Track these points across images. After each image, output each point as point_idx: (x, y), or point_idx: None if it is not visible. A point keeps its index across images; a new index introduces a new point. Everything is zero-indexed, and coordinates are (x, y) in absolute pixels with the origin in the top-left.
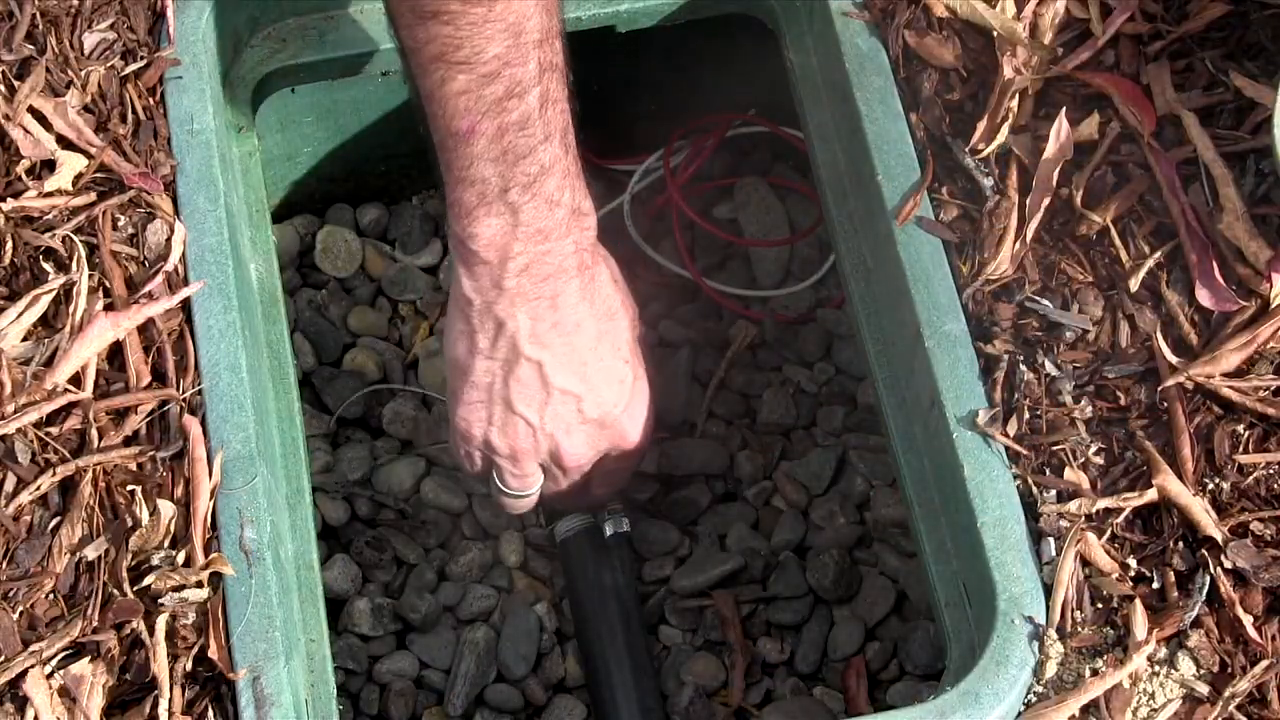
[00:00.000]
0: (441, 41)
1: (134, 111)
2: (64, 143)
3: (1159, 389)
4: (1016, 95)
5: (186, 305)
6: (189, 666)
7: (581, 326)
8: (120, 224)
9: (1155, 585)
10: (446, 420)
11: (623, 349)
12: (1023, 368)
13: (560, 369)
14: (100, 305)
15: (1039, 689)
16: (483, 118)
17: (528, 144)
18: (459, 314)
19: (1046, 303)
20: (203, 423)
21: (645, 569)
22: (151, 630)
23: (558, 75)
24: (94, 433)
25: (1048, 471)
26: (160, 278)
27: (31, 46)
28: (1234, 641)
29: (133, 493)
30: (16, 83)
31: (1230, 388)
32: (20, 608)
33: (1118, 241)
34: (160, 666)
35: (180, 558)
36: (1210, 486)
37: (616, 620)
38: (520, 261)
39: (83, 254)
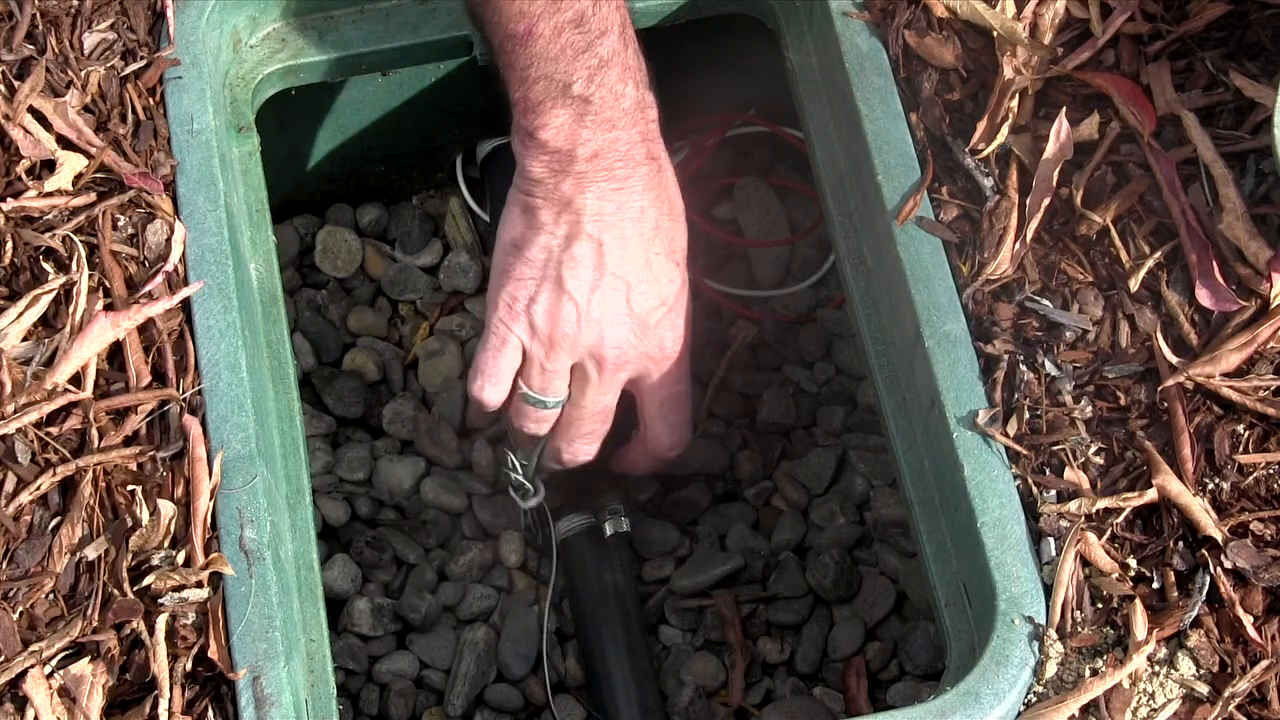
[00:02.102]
0: None
1: (134, 111)
2: (64, 143)
3: (1159, 389)
4: (1016, 95)
5: (186, 305)
6: (189, 666)
7: (645, 214)
8: (120, 224)
9: (1155, 585)
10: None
11: (677, 251)
12: (1023, 368)
13: (617, 252)
14: (100, 305)
15: (1039, 689)
16: (539, 19)
17: (585, 40)
18: (520, 196)
19: (1046, 303)
20: (203, 423)
21: (645, 569)
22: (151, 630)
23: None
24: (94, 433)
25: (1048, 471)
26: (160, 278)
27: (31, 46)
28: (1234, 641)
29: (133, 493)
30: (16, 83)
31: (1230, 388)
32: (20, 608)
33: (1118, 241)
34: (160, 666)
35: (180, 558)
36: (1210, 486)
37: (617, 620)
38: (589, 148)
39: (83, 254)
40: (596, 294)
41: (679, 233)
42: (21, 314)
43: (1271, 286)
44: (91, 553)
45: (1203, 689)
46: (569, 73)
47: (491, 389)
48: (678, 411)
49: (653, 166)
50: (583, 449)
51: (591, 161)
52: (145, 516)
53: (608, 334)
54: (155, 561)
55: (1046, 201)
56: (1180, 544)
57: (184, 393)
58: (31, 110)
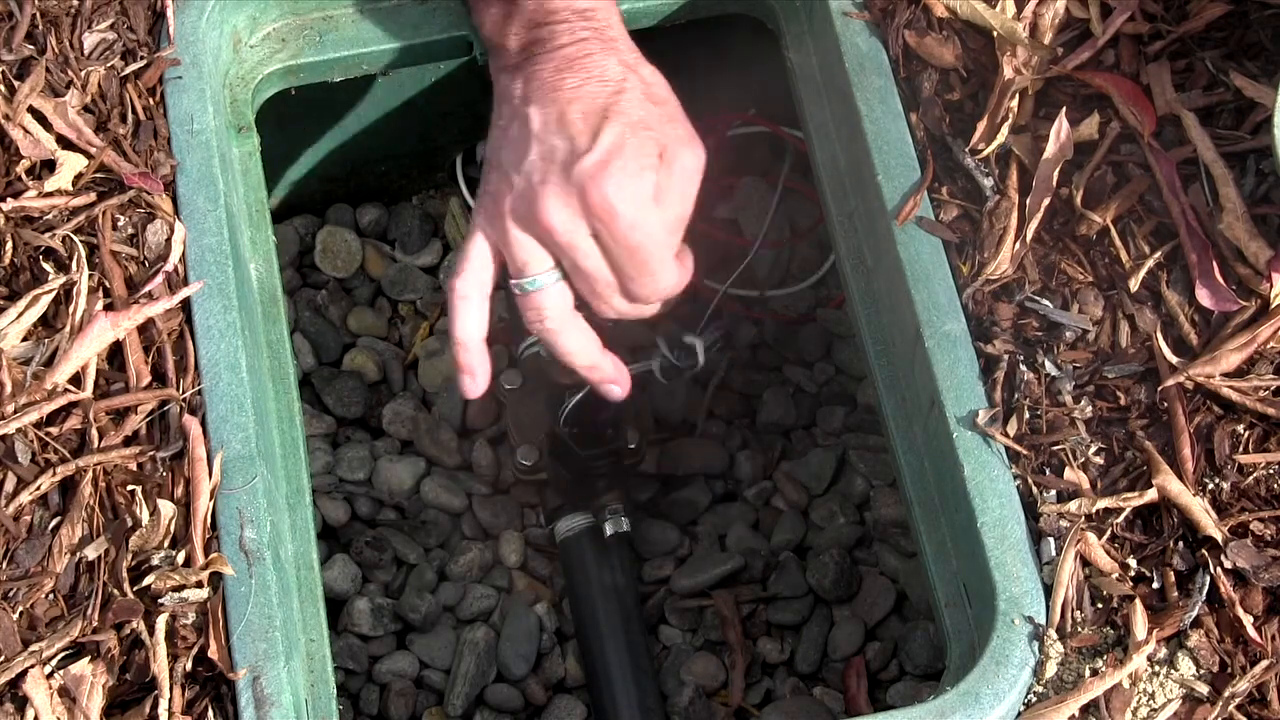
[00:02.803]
0: None
1: (134, 111)
2: (64, 143)
3: (1159, 389)
4: (1016, 95)
5: (186, 305)
6: (189, 666)
7: (572, 83)
8: (120, 224)
9: (1155, 585)
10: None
11: (625, 114)
12: (1023, 368)
13: (544, 120)
14: (100, 305)
15: (1039, 689)
16: None
17: None
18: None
19: (1046, 303)
20: (203, 423)
21: (645, 569)
22: (151, 630)
23: None
24: (94, 433)
25: (1048, 471)
26: (160, 278)
27: (31, 46)
28: (1234, 641)
29: (133, 493)
30: (16, 83)
31: (1230, 388)
32: (20, 608)
33: (1118, 241)
34: (160, 666)
35: (180, 558)
36: (1210, 486)
37: (617, 620)
38: (518, 40)
39: (83, 254)
40: (526, 163)
41: (621, 98)
42: (21, 314)
43: (1271, 286)
44: (91, 553)
45: (1203, 689)
46: None
47: (458, 279)
48: (644, 268)
49: (587, 45)
50: (612, 298)
51: (521, 54)
52: (145, 516)
53: (543, 202)
54: (155, 561)
55: (1046, 201)
56: (1180, 544)
57: (184, 393)
58: (31, 110)
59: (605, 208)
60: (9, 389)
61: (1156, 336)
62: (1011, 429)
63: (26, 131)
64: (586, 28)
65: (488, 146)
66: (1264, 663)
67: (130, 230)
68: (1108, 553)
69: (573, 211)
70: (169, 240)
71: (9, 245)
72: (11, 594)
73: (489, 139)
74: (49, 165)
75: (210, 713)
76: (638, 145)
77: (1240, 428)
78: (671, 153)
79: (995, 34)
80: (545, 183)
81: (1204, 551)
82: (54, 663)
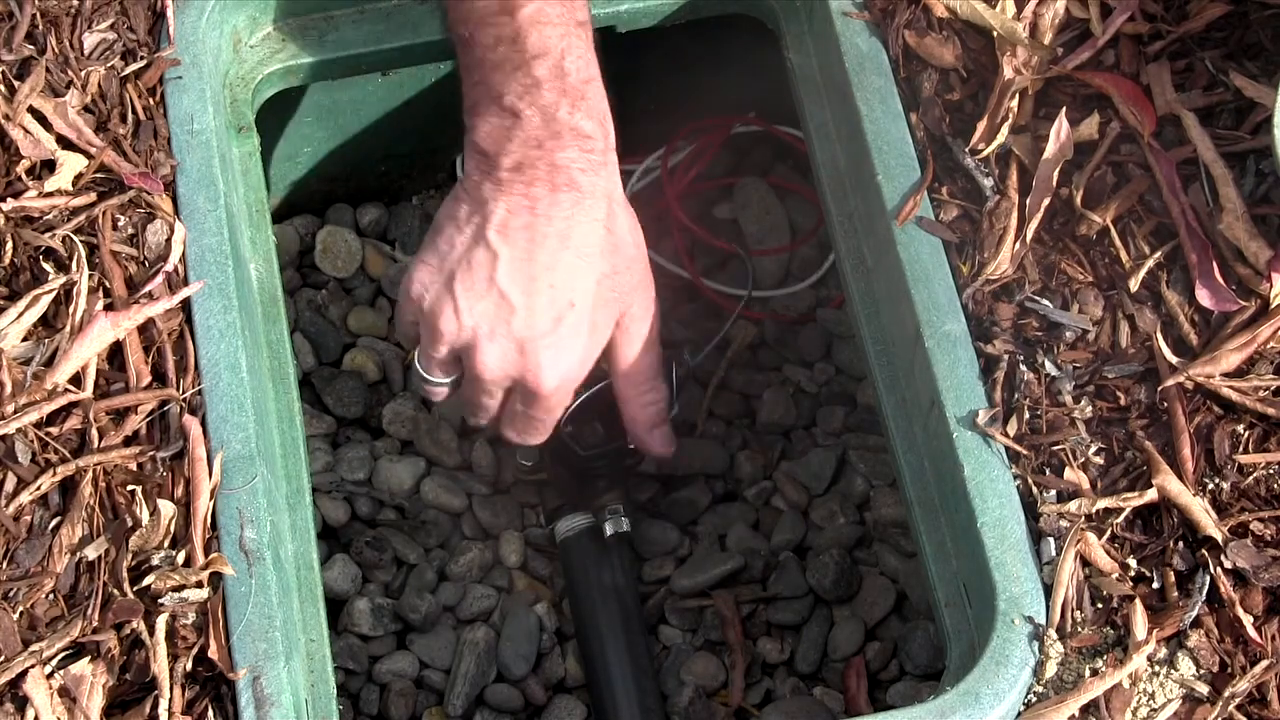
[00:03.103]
0: None
1: (134, 111)
2: (64, 143)
3: (1159, 389)
4: (1016, 95)
5: (186, 305)
6: (189, 666)
7: (547, 241)
8: (120, 224)
9: (1155, 585)
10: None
11: (578, 291)
12: (1023, 368)
13: (510, 271)
14: (100, 305)
15: (1039, 689)
16: (476, 28)
17: (520, 58)
18: (457, 187)
19: (1046, 303)
20: (203, 423)
21: (645, 569)
22: (151, 630)
23: (555, 0)
24: (94, 433)
25: (1048, 471)
26: (160, 278)
27: (31, 46)
28: (1234, 641)
29: (133, 493)
30: (16, 83)
31: (1230, 388)
32: (20, 608)
33: (1118, 241)
34: (160, 666)
35: (180, 558)
36: (1210, 486)
37: (617, 620)
38: (512, 159)
39: (83, 254)
40: (480, 304)
41: (583, 271)
42: (21, 314)
43: (1271, 286)
44: (91, 553)
45: (1203, 689)
46: (502, 85)
47: (399, 325)
48: (529, 431)
49: (574, 196)
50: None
51: (513, 173)
52: (145, 516)
53: (479, 346)
54: (155, 561)
55: (1046, 201)
56: (1180, 544)
57: (184, 393)
58: (31, 110)
59: (537, 383)
60: (9, 389)
61: (1156, 336)
62: (1011, 429)
63: (26, 131)
64: (584, 156)
65: (440, 219)
66: (1264, 663)
67: (130, 230)
68: (1108, 553)
69: (506, 371)
70: (169, 240)
71: (9, 245)
72: (11, 594)
73: (444, 211)
74: (49, 165)
75: (210, 713)
76: (590, 328)
77: (1240, 428)
78: (628, 316)
79: (995, 34)
80: (492, 338)
81: (1204, 551)
82: (54, 663)
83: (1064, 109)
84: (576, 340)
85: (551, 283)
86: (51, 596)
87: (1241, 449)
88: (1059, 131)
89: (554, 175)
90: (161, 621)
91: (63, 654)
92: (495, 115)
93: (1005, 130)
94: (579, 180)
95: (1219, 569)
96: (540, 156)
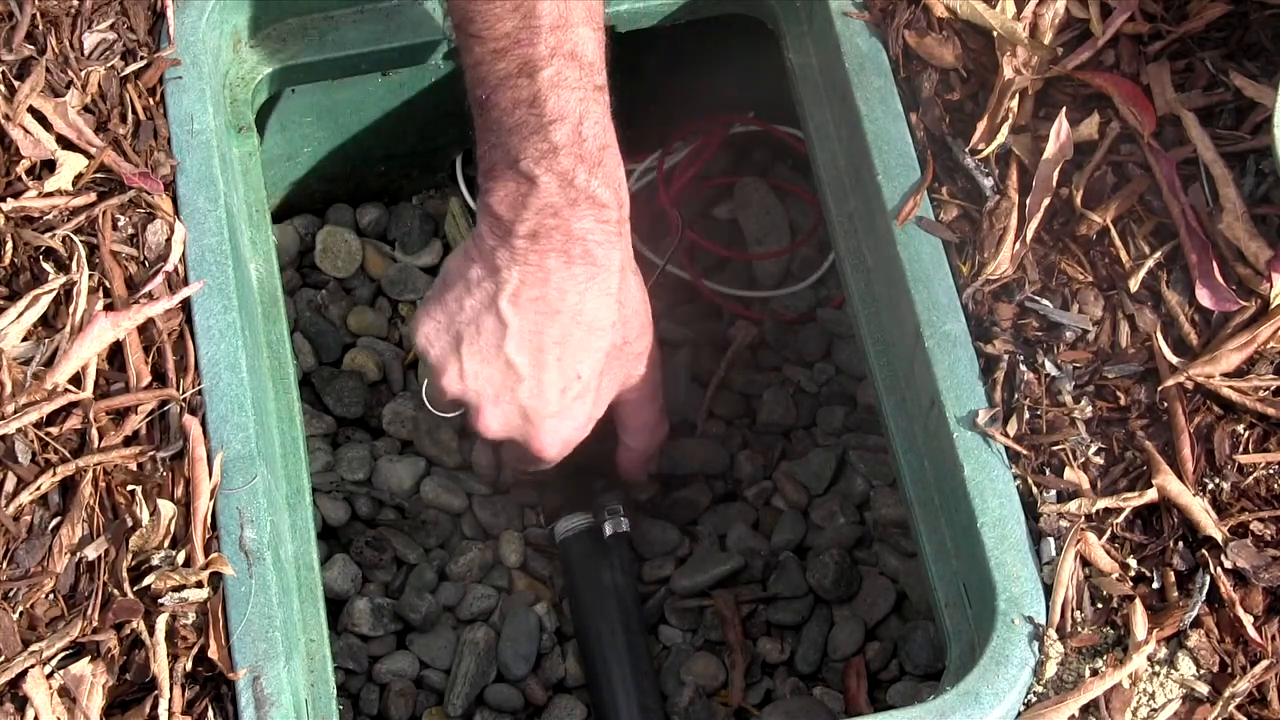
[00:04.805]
0: (459, 11)
1: (134, 111)
2: (64, 143)
3: (1159, 389)
4: (1016, 95)
5: (186, 305)
6: (189, 666)
7: (560, 315)
8: (120, 224)
9: (1155, 585)
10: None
11: (585, 363)
12: (1023, 368)
13: (520, 343)
14: (100, 305)
15: (1039, 689)
16: (494, 90)
17: (538, 121)
18: (470, 243)
19: (1046, 303)
20: (203, 423)
21: (645, 569)
22: (151, 630)
23: (574, 63)
24: (94, 433)
25: (1048, 471)
26: (160, 278)
27: (31, 46)
28: (1234, 641)
29: (133, 493)
30: (16, 83)
31: (1230, 388)
32: (20, 608)
33: (1118, 241)
34: (160, 666)
35: (180, 558)
36: (1210, 486)
37: (616, 620)
38: (527, 227)
39: (83, 254)
40: (485, 369)
41: (593, 345)
42: (21, 314)
43: (1271, 286)
44: (91, 553)
45: (1203, 689)
46: (519, 149)
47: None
48: (525, 462)
49: (589, 269)
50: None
51: (528, 240)
52: (145, 516)
53: (482, 409)
54: (155, 561)
55: (1046, 201)
56: (1180, 544)
57: (184, 393)
58: (31, 110)
59: (540, 450)
60: (9, 389)
61: (1156, 336)
62: (1011, 429)
63: (26, 131)
64: (600, 227)
65: (451, 272)
66: (1264, 663)
67: (130, 230)
68: (1108, 553)
69: (508, 433)
70: (169, 240)
71: (9, 245)
72: (11, 594)
73: (455, 265)
74: (49, 165)
75: (210, 713)
76: (595, 398)
77: (1240, 428)
78: (630, 381)
79: (995, 34)
80: (497, 403)
81: (1204, 551)
82: (54, 663)
83: (1064, 109)
84: (581, 409)
85: (560, 356)
86: (51, 596)
87: (1241, 449)
88: (1059, 131)
89: (569, 246)
90: (161, 621)
91: (63, 654)
92: (511, 180)
93: (1005, 130)
94: (594, 253)
95: (1219, 569)
96: (556, 226)
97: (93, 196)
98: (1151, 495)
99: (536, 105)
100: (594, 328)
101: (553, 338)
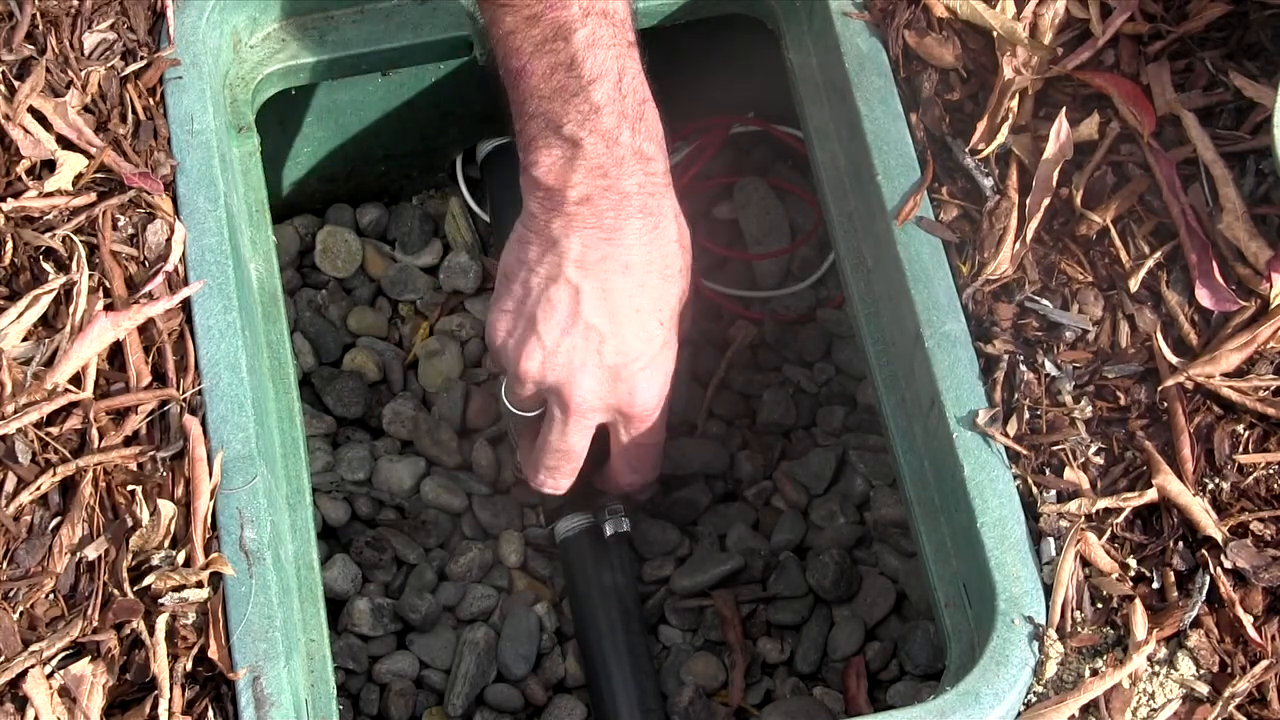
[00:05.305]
0: None
1: (134, 111)
2: (64, 143)
3: (1159, 389)
4: (1016, 95)
5: (186, 305)
6: (189, 666)
7: (630, 269)
8: (120, 224)
9: (1155, 585)
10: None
11: (664, 310)
12: (1023, 368)
13: (594, 302)
14: (100, 305)
15: (1039, 689)
16: (530, 58)
17: (577, 84)
18: (520, 227)
19: (1046, 303)
20: (203, 423)
21: (645, 569)
22: (151, 630)
23: (607, 21)
24: (94, 433)
25: (1048, 471)
26: (160, 278)
27: (31, 46)
28: (1234, 641)
29: (133, 493)
30: (16, 83)
31: (1230, 388)
32: (20, 608)
33: (1118, 241)
34: (160, 666)
35: (180, 558)
36: (1210, 486)
37: (617, 620)
38: (579, 191)
39: (83, 254)
40: (566, 339)
41: (668, 291)
42: (21, 314)
43: (1271, 286)
44: (91, 553)
45: (1203, 689)
46: (561, 114)
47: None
48: (643, 460)
49: (648, 221)
50: (547, 481)
51: (581, 205)
52: (145, 516)
53: (574, 380)
54: (155, 561)
55: (1046, 201)
56: (1180, 544)
57: (184, 393)
58: (31, 110)
59: (640, 406)
60: (9, 389)
61: (1156, 336)
62: (1011, 429)
63: (26, 131)
64: (649, 180)
65: (508, 263)
66: (1264, 663)
67: (130, 230)
68: (1108, 553)
69: (603, 399)
70: (169, 240)
71: (9, 245)
72: (11, 594)
73: (511, 255)
74: (49, 165)
75: (210, 713)
76: (676, 343)
77: (1240, 428)
78: (686, 319)
79: (995, 34)
80: (585, 369)
81: (1204, 551)
82: (54, 663)
83: (1064, 109)
84: (668, 355)
85: (638, 307)
86: (51, 596)
87: (1241, 449)
88: (1059, 131)
89: (623, 203)
90: (161, 621)
91: (63, 654)
92: (556, 147)
93: (1005, 130)
94: (650, 205)
95: (1219, 569)
96: (608, 186)
97: (93, 196)
98: (1151, 495)
99: (575, 67)
100: (667, 274)
101: (627, 292)
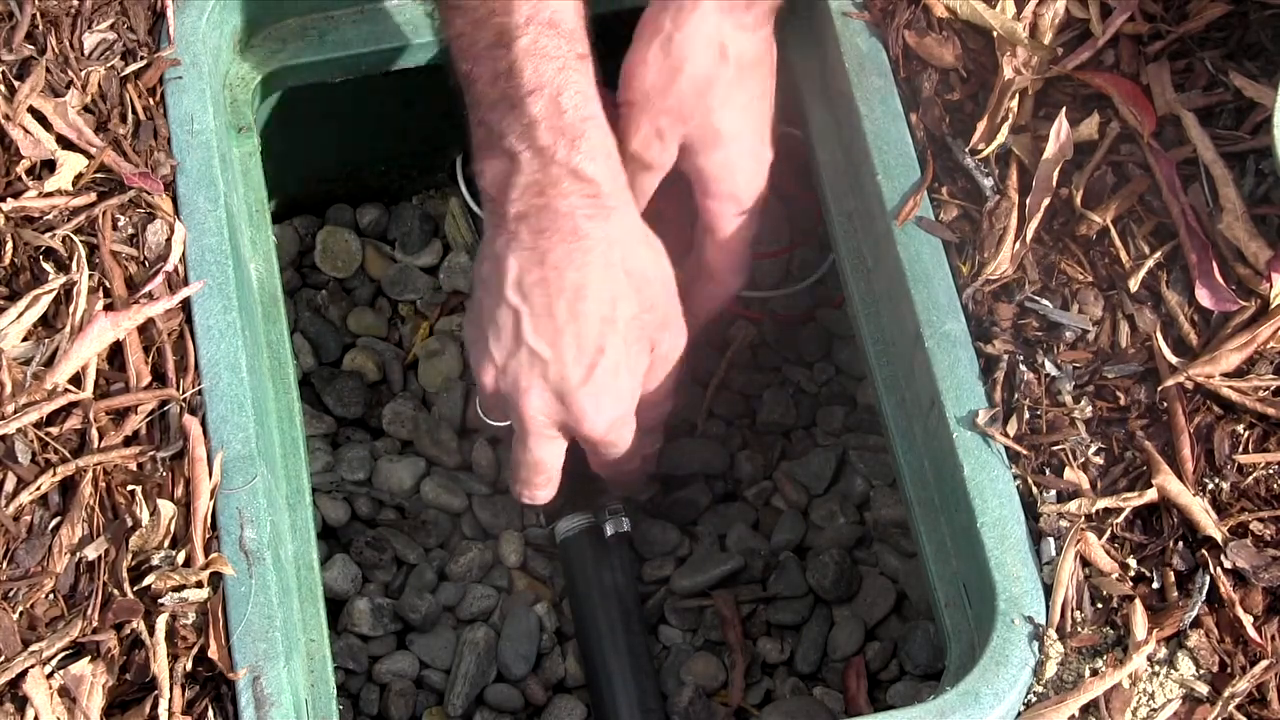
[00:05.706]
0: None
1: (134, 111)
2: (64, 143)
3: (1159, 389)
4: (1016, 95)
5: (186, 305)
6: (189, 666)
7: (564, 295)
8: (120, 224)
9: (1155, 585)
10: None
11: (606, 338)
12: (1023, 368)
13: (534, 327)
14: (100, 305)
15: (1039, 689)
16: (476, 63)
17: (517, 94)
18: (484, 236)
19: (1046, 303)
20: (203, 423)
21: (645, 569)
22: (151, 630)
23: (554, 31)
24: (94, 433)
25: (1048, 471)
26: (160, 278)
27: (31, 46)
28: (1234, 641)
29: (133, 493)
30: (16, 83)
31: (1230, 388)
32: (20, 608)
33: (1118, 241)
34: (160, 666)
35: (180, 558)
36: (1210, 486)
37: (617, 620)
38: (517, 208)
39: (83, 254)
40: (512, 360)
41: (608, 319)
42: (21, 314)
43: (1271, 286)
44: (91, 553)
45: (1203, 689)
46: (503, 124)
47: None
48: (621, 474)
49: (584, 245)
50: (524, 492)
51: (518, 222)
52: (145, 516)
53: (524, 400)
54: (155, 561)
55: (1046, 201)
56: (1180, 544)
57: (184, 393)
58: (31, 110)
59: (588, 430)
60: (9, 389)
61: (1156, 336)
62: (1011, 429)
63: (26, 131)
64: (588, 202)
65: (474, 273)
66: (1264, 663)
67: (130, 230)
68: (1108, 553)
69: (550, 417)
70: (169, 240)
71: (9, 245)
72: (11, 594)
73: (476, 266)
74: (49, 165)
75: (210, 713)
76: (628, 370)
77: (1240, 428)
78: (656, 352)
79: (995, 34)
80: (531, 390)
81: (1204, 551)
82: (54, 663)
83: (1064, 109)
84: (615, 383)
85: (576, 333)
86: (51, 596)
87: (1241, 449)
88: (1059, 131)
89: (558, 224)
90: (161, 621)
91: (63, 654)
92: (497, 158)
93: (1005, 130)
94: (585, 228)
95: (1219, 569)
96: (543, 205)
97: (93, 196)
98: (1151, 495)
99: (514, 76)
100: (602, 300)
101: (564, 317)
